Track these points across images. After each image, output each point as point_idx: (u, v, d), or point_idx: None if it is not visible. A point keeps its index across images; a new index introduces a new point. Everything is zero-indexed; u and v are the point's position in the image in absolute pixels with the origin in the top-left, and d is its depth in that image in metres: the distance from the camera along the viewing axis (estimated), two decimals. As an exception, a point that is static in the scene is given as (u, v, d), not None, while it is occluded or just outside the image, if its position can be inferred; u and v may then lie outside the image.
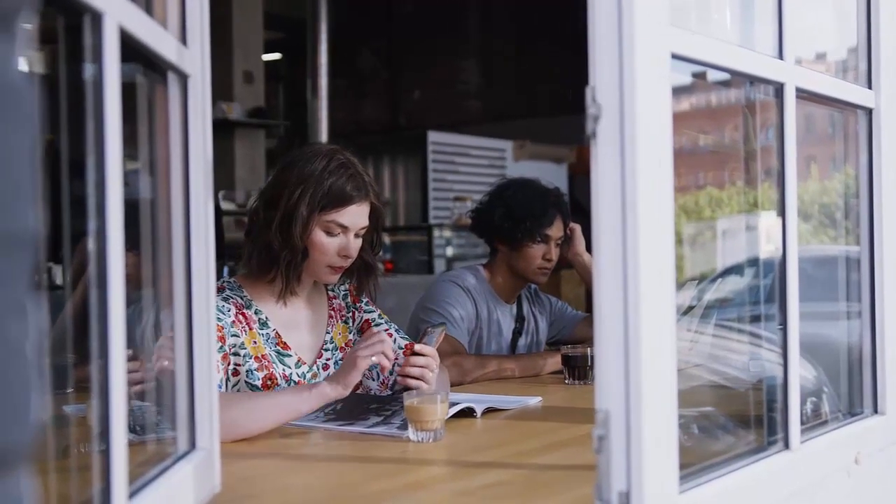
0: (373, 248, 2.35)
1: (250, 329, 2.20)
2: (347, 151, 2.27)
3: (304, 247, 2.20)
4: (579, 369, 2.66)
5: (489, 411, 2.20)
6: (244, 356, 2.16)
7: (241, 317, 2.19)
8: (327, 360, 2.33)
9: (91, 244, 1.00)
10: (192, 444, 1.37)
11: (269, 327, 2.24)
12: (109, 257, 1.00)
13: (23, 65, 0.55)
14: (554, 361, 2.84)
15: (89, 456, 1.14)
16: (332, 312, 2.40)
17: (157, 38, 1.21)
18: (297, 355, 2.26)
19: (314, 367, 2.29)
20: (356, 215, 2.22)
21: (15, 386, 0.50)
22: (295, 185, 2.18)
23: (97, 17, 0.99)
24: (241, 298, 2.23)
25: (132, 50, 1.11)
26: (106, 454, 1.00)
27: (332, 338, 2.37)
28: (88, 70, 1.01)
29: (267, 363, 2.19)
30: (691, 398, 1.53)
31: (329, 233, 2.21)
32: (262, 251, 2.21)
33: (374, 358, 1.98)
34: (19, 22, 0.54)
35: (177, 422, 1.36)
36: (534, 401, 2.37)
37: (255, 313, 2.24)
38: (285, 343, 2.25)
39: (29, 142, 0.53)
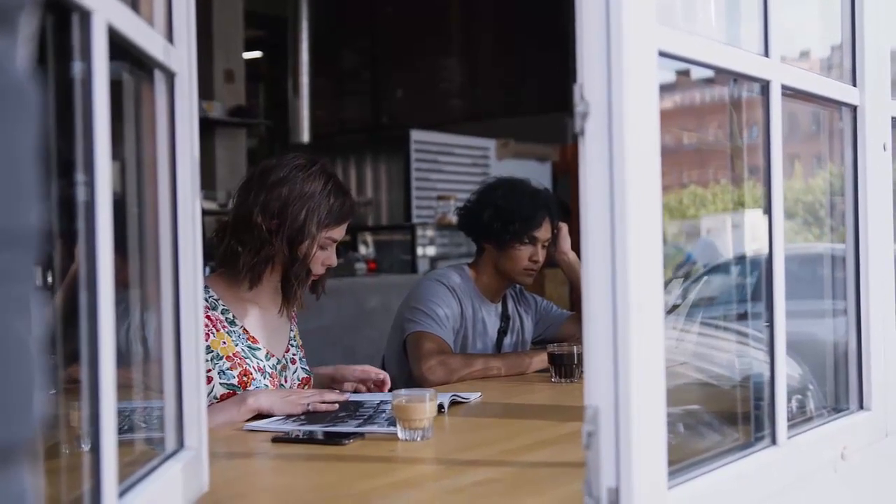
0: None
1: (217, 330, 2.23)
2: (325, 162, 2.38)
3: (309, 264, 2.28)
4: (565, 367, 2.66)
5: (453, 404, 2.24)
6: (212, 359, 2.19)
7: (206, 319, 2.20)
8: (293, 355, 2.43)
9: (80, 245, 0.99)
10: (181, 444, 1.37)
11: (237, 325, 2.29)
12: (98, 258, 0.99)
13: (24, 63, 0.54)
14: (540, 360, 2.84)
15: (75, 456, 1.13)
16: (293, 313, 2.48)
17: (145, 36, 1.20)
18: (266, 348, 2.33)
19: (283, 360, 2.38)
20: (344, 229, 2.36)
21: (19, 382, 0.50)
22: (298, 202, 2.24)
23: (86, 15, 0.98)
24: (207, 300, 2.25)
25: (118, 48, 1.10)
26: (96, 454, 0.99)
27: (294, 335, 2.46)
28: (76, 67, 1.00)
29: (240, 360, 2.24)
30: (678, 396, 1.53)
31: (323, 248, 2.30)
32: (263, 264, 2.26)
33: (309, 406, 2.14)
34: (21, 20, 0.54)
35: (165, 421, 1.35)
36: (473, 396, 2.39)
37: (222, 313, 2.28)
38: (254, 337, 2.31)
39: (32, 140, 0.53)
